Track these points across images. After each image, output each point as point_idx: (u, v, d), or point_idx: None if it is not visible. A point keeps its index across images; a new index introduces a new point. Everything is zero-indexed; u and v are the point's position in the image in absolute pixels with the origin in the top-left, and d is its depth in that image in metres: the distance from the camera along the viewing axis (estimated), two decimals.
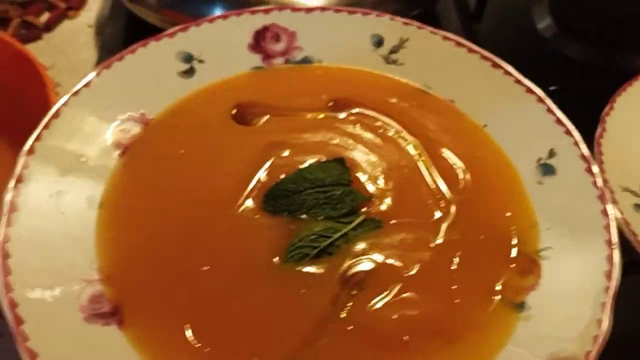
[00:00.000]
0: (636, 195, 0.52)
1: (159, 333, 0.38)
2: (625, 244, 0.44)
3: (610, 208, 0.44)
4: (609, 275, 0.41)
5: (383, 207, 0.45)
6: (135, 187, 0.45)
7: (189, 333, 0.38)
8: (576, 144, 0.47)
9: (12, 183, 0.42)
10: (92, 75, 0.48)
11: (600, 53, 0.68)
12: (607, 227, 0.43)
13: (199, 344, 0.38)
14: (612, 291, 0.40)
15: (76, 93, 0.47)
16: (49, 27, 0.70)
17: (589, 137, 0.50)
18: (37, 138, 0.44)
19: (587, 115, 0.51)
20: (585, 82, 0.66)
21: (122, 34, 0.67)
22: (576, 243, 0.43)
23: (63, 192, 0.43)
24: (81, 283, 0.40)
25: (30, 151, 0.44)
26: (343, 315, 0.40)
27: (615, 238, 0.43)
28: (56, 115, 0.46)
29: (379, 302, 0.40)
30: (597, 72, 0.68)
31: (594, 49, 0.68)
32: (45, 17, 0.71)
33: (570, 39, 0.70)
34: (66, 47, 0.68)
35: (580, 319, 0.40)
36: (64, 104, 0.46)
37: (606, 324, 0.39)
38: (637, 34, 0.67)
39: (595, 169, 0.46)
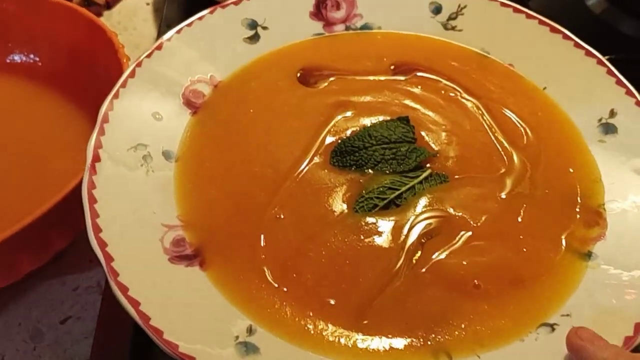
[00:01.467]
0: None
1: (238, 274, 0.40)
2: None
3: None
4: None
5: (448, 163, 0.46)
6: (209, 143, 0.47)
7: (267, 274, 0.40)
8: (638, 103, 0.48)
9: (93, 138, 0.44)
10: (163, 39, 0.50)
11: None
12: None
13: (277, 285, 0.40)
14: None
15: (149, 55, 0.49)
16: (110, 4, 0.72)
17: None
18: (115, 95, 0.46)
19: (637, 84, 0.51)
20: (637, 54, 0.66)
21: (180, 9, 0.69)
22: None
23: (141, 146, 0.45)
24: (163, 228, 0.41)
25: (110, 108, 0.46)
26: (414, 260, 0.41)
27: None
28: (131, 75, 0.48)
29: (448, 249, 0.42)
30: None
31: None
32: None
33: (621, 14, 0.70)
34: (126, 23, 0.71)
35: None
36: (137, 65, 0.48)
37: None
38: None
39: None
